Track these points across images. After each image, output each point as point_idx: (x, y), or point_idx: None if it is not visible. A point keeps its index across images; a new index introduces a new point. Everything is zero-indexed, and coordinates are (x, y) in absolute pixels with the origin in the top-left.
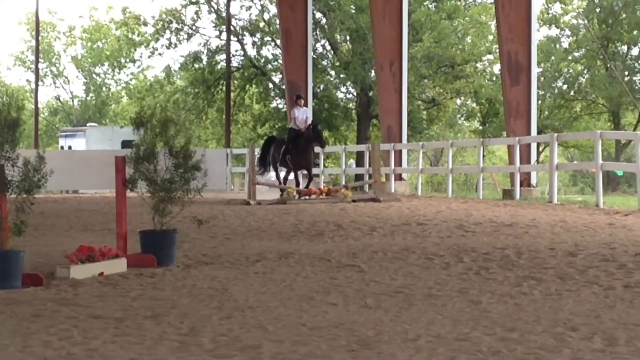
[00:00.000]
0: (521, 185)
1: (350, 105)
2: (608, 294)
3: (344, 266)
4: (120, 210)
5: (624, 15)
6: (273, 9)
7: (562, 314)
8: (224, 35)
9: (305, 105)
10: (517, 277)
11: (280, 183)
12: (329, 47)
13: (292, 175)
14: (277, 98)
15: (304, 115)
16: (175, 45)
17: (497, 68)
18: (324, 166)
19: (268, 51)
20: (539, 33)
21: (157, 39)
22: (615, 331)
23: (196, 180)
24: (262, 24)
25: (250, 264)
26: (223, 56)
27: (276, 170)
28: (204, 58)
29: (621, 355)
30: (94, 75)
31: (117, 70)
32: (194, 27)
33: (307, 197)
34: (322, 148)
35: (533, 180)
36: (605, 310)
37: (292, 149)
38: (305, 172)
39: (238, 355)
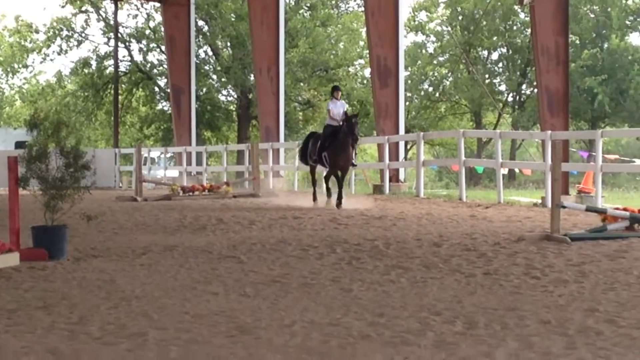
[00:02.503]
0: (390, 180)
1: (231, 107)
2: (469, 281)
3: (224, 257)
4: (13, 207)
5: (484, 23)
6: (158, 17)
7: (426, 300)
8: (112, 42)
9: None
10: (385, 266)
11: (314, 185)
12: (211, 53)
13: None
14: (162, 101)
15: (340, 109)
16: (66, 52)
17: (367, 72)
18: (207, 164)
19: (154, 57)
20: (406, 39)
21: (49, 46)
22: (475, 315)
23: (86, 178)
24: (148, 32)
25: (136, 256)
26: (111, 62)
27: (312, 170)
28: (93, 63)
29: (480, 338)
30: None
31: (10, 75)
32: (83, 35)
33: (190, 193)
34: (354, 141)
35: (401, 176)
36: (466, 296)
37: (328, 147)
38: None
39: (125, 342)
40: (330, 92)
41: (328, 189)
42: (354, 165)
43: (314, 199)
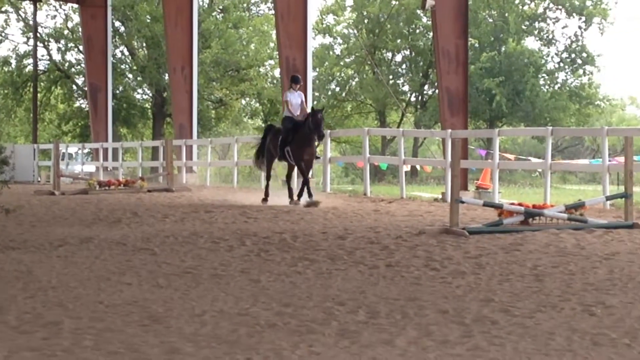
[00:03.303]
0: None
1: (147, 105)
2: (372, 273)
3: (138, 250)
4: None
5: (388, 26)
6: (76, 18)
7: (331, 291)
8: (31, 42)
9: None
10: (292, 258)
11: (268, 179)
12: (127, 53)
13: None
14: (80, 99)
15: (298, 99)
16: None
17: (277, 72)
18: (123, 160)
19: (72, 56)
20: (314, 41)
21: None
22: (378, 305)
23: (4, 173)
24: (66, 32)
25: (53, 248)
26: (30, 60)
27: (269, 164)
28: (13, 62)
29: (382, 326)
30: None
31: None
32: (3, 34)
33: (107, 187)
34: (319, 139)
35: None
36: (369, 287)
37: (291, 141)
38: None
39: (40, 330)
40: (289, 82)
41: (290, 189)
42: (317, 157)
43: (265, 196)
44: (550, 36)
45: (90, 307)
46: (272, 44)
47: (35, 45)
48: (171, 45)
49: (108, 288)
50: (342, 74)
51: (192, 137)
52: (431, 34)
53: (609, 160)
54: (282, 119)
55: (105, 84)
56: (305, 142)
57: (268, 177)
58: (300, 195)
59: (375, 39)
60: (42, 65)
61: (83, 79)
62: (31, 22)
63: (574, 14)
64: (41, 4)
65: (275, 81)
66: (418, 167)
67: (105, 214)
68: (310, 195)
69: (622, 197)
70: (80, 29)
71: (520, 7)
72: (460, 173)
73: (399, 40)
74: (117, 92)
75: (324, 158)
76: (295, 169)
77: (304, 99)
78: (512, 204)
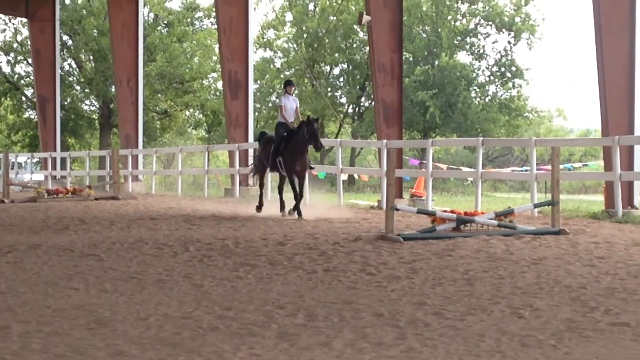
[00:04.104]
0: (240, 184)
1: (94, 116)
2: (311, 277)
3: (85, 256)
4: None
5: (327, 41)
6: (25, 32)
7: (271, 295)
8: None
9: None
10: (234, 264)
11: (261, 188)
12: (75, 65)
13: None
14: (29, 110)
15: (293, 104)
16: None
17: (220, 84)
18: (71, 169)
19: (21, 68)
20: (255, 55)
21: None
22: (316, 308)
23: None
24: (15, 45)
25: (2, 254)
26: None
27: (261, 173)
28: None
29: (320, 329)
30: None
31: None
32: None
33: (55, 195)
34: (316, 150)
35: (250, 181)
36: (307, 291)
37: (283, 151)
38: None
39: None
40: (283, 86)
41: (282, 201)
42: (311, 167)
43: (259, 205)
44: (481, 51)
45: (38, 311)
46: (214, 57)
47: None
48: (117, 58)
49: (56, 293)
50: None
51: (137, 147)
52: (367, 48)
53: (537, 170)
54: (276, 125)
55: (53, 95)
56: (297, 153)
57: (261, 186)
58: (295, 209)
59: (314, 52)
60: None
61: (32, 90)
62: None
63: (504, 30)
64: None
65: (218, 93)
66: (355, 175)
67: (54, 222)
68: (299, 213)
69: (549, 204)
70: (29, 42)
71: (453, 22)
72: (395, 182)
73: (336, 54)
74: (65, 103)
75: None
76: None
77: (298, 105)
78: (445, 211)
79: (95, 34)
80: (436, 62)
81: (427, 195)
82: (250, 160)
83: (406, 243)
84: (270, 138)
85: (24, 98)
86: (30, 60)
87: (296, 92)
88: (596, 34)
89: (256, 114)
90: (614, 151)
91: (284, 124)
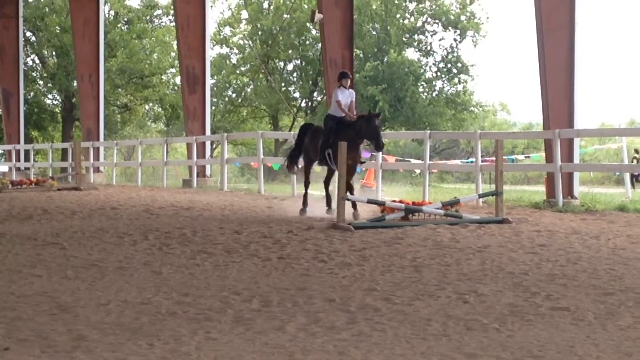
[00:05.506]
0: (198, 175)
1: (57, 109)
2: (265, 264)
3: (48, 244)
4: None
5: (281, 38)
6: None
7: (227, 281)
8: None
9: (352, 86)
10: (192, 252)
11: (307, 186)
12: (38, 61)
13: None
14: None
15: (348, 99)
16: None
17: (178, 79)
18: (34, 161)
19: None
20: (212, 51)
21: None
22: (270, 294)
23: None
24: None
25: None
26: None
27: (307, 168)
28: None
29: (274, 314)
30: None
31: None
32: None
33: (19, 186)
34: (378, 150)
35: (208, 172)
36: (262, 278)
37: (333, 143)
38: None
39: None
40: (338, 79)
41: (328, 196)
42: (362, 162)
43: (304, 206)
44: (429, 47)
45: (2, 297)
46: (173, 54)
47: None
48: (79, 54)
49: (19, 280)
50: (238, 82)
51: (99, 140)
52: (320, 45)
53: (482, 161)
54: (325, 117)
55: (17, 89)
56: (349, 146)
57: (307, 184)
58: (354, 206)
59: (269, 49)
60: None
61: None
62: None
63: (450, 28)
64: None
65: (176, 88)
66: None
67: (17, 211)
68: (354, 206)
69: (493, 194)
70: None
71: (401, 20)
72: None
73: (290, 51)
74: (29, 97)
75: (222, 159)
76: (335, 174)
77: (354, 99)
78: (394, 201)
79: (58, 31)
80: (385, 59)
81: (377, 186)
82: (213, 154)
83: (357, 232)
84: (318, 129)
85: None
86: None
87: (350, 84)
88: (538, 33)
89: (213, 108)
90: (555, 144)
91: (333, 116)
